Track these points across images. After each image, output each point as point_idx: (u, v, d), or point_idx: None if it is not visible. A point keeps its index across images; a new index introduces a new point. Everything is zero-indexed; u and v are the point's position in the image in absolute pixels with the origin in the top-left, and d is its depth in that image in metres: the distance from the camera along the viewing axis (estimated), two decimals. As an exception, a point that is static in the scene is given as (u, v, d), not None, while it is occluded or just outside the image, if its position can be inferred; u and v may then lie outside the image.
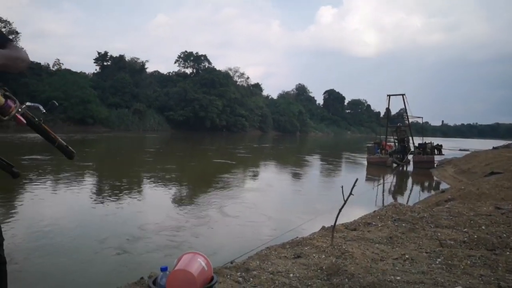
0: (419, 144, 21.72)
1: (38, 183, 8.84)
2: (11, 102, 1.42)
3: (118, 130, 51.31)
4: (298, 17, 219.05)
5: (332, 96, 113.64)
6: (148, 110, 60.16)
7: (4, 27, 51.03)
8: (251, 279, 2.69)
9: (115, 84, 59.64)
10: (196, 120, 63.67)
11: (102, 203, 6.80)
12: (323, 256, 3.31)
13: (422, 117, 26.37)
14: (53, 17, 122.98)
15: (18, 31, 53.11)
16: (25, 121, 1.48)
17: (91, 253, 4.44)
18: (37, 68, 55.63)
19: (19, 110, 1.45)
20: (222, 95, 67.11)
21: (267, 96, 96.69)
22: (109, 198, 7.71)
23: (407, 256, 3.33)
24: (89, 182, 9.89)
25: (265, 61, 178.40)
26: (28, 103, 1.46)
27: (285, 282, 2.63)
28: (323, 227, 4.57)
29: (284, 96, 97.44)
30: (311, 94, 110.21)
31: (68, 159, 1.73)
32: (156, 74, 72.39)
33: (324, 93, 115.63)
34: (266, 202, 8.71)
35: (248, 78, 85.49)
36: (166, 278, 1.77)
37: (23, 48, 1.56)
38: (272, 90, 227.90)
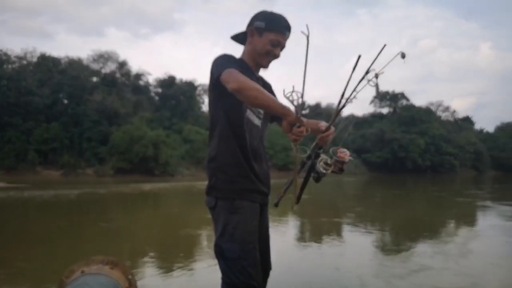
0: None
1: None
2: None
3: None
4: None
5: None
6: (344, 153, 60.47)
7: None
8: None
9: (312, 130, 62.85)
10: (396, 161, 59.90)
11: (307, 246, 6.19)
12: None
13: None
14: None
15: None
16: None
17: None
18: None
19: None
20: (424, 133, 61.54)
21: (481, 130, 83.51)
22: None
23: None
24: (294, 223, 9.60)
25: (475, 91, 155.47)
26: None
27: None
28: None
29: (503, 128, 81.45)
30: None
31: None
32: (351, 117, 72.86)
33: None
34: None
35: (454, 111, 76.23)
36: None
37: None
38: (486, 123, 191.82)
